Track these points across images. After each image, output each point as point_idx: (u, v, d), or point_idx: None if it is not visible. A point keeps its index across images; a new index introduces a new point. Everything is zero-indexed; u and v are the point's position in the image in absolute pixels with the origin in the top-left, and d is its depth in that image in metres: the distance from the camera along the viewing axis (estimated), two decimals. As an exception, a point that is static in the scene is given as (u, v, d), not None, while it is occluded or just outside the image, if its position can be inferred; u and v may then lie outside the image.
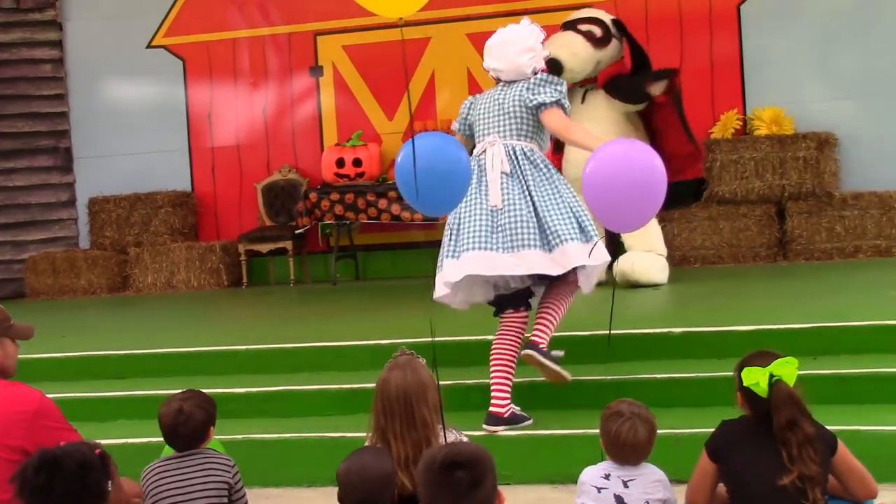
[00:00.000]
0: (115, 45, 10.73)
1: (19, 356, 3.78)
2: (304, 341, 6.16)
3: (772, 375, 3.29)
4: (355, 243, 10.18)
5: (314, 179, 10.17)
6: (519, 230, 4.93)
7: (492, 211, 5.02)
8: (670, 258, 9.02)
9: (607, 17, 8.20)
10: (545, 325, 5.04)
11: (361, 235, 10.21)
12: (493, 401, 4.98)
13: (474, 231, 5.00)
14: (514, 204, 5.01)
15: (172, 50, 10.66)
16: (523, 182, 5.10)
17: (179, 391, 3.76)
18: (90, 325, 8.11)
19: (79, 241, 10.84)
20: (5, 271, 10.68)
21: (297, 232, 9.87)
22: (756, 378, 3.28)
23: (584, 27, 8.04)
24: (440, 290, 5.21)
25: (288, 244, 9.93)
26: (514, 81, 5.36)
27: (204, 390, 3.86)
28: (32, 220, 10.76)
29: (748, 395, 3.33)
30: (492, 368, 5.01)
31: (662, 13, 9.60)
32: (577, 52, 7.89)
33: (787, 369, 3.29)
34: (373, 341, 5.90)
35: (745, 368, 3.32)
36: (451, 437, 3.43)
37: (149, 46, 10.68)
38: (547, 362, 4.95)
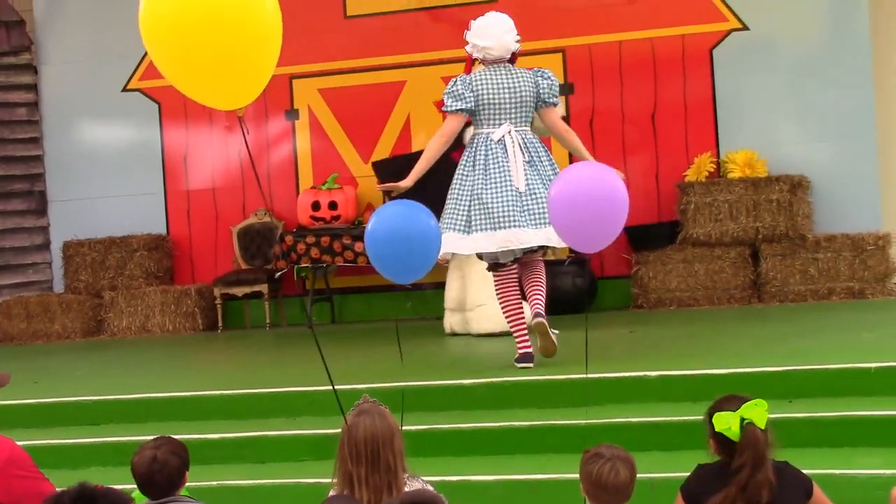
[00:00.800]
0: (90, 88, 10.74)
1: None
2: (278, 386, 6.14)
3: (742, 419, 3.30)
4: (331, 286, 10.17)
5: (290, 223, 10.16)
6: (544, 211, 5.88)
7: (518, 193, 6.01)
8: (645, 300, 9.09)
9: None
10: (544, 298, 6.12)
11: (337, 278, 10.20)
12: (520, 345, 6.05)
13: (507, 210, 6.00)
14: (536, 189, 6.04)
15: (148, 93, 10.67)
16: (537, 169, 6.10)
17: (152, 438, 3.74)
18: (64, 370, 8.05)
19: (53, 286, 10.78)
20: (-22, 316, 10.60)
21: (276, 276, 9.86)
22: (727, 423, 3.30)
23: None
24: (456, 248, 6.10)
25: (264, 287, 9.91)
26: (507, 64, 6.21)
27: (178, 436, 3.84)
28: (6, 265, 10.71)
29: (720, 439, 3.35)
30: (516, 310, 6.12)
31: (636, 56, 9.69)
32: None
33: (757, 412, 3.31)
34: (347, 385, 5.87)
35: (716, 414, 3.33)
36: (415, 484, 3.44)
37: (124, 90, 10.69)
38: (551, 332, 6.00)
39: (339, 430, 3.58)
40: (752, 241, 9.07)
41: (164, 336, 9.94)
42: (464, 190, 6.16)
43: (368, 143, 10.22)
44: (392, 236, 4.48)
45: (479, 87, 6.11)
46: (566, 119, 9.64)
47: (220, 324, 10.03)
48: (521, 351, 6.10)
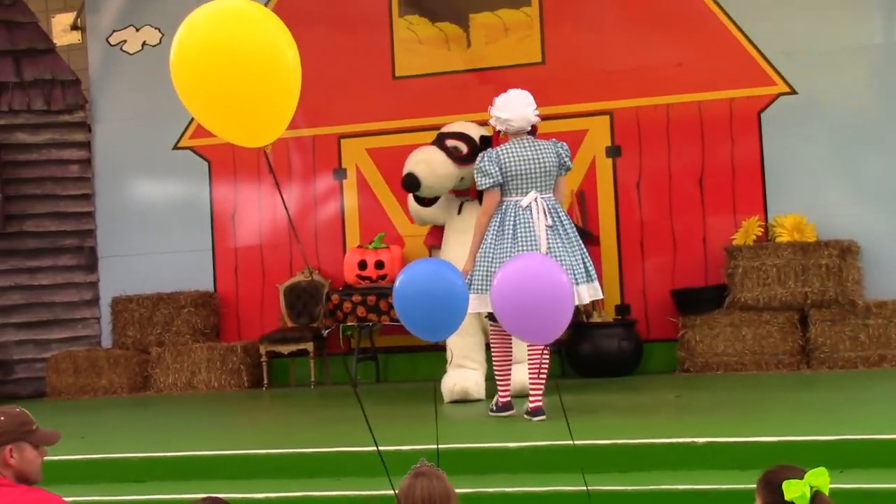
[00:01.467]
0: (142, 146, 10.91)
1: (39, 459, 3.77)
2: (323, 445, 6.14)
3: (811, 487, 3.28)
4: (376, 345, 10.18)
5: (336, 281, 10.21)
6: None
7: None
8: (692, 364, 9.02)
9: (477, 133, 8.34)
10: (542, 378, 6.62)
11: (382, 337, 10.21)
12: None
13: None
14: (557, 251, 6.55)
15: (198, 151, 10.82)
16: (559, 232, 6.62)
17: (199, 498, 3.74)
18: (110, 426, 8.11)
19: (101, 341, 10.88)
20: (27, 370, 10.71)
21: (323, 333, 9.89)
22: (800, 490, 3.27)
23: (451, 143, 8.26)
24: (478, 308, 6.60)
25: (309, 345, 9.94)
26: (529, 136, 6.77)
27: (223, 495, 3.84)
28: (56, 319, 10.83)
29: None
30: (505, 368, 6.74)
31: (683, 119, 9.70)
32: (435, 170, 8.14)
33: (823, 480, 3.30)
34: (393, 447, 5.87)
35: (786, 481, 3.30)
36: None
37: (175, 148, 10.85)
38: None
39: (384, 492, 3.59)
40: (800, 306, 8.99)
41: (209, 393, 9.97)
42: (496, 254, 6.66)
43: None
44: (420, 293, 4.55)
45: (506, 161, 6.68)
46: (615, 181, 9.71)
47: (265, 381, 10.06)
48: (502, 400, 6.82)
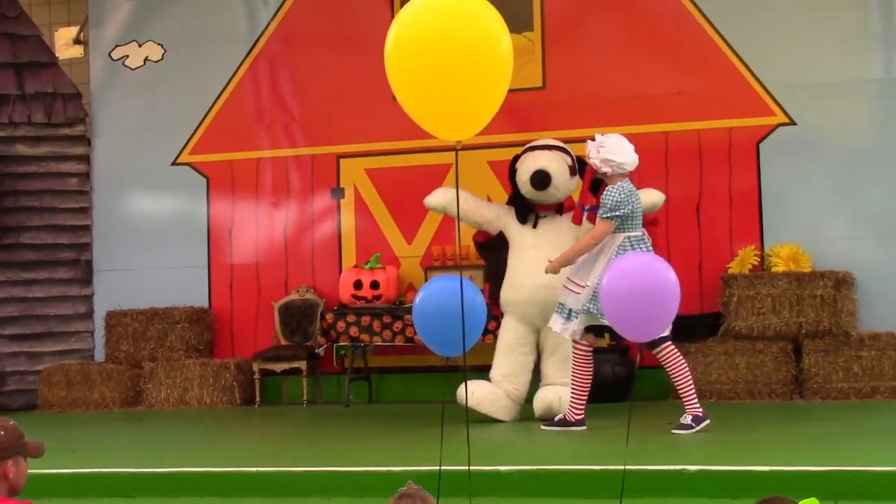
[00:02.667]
0: (141, 161, 10.91)
1: (29, 471, 3.76)
2: (315, 465, 6.10)
3: (803, 517, 3.25)
4: (370, 365, 10.16)
5: (331, 300, 10.20)
6: None
7: None
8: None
9: (572, 152, 8.27)
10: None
11: (376, 357, 10.19)
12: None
13: None
14: None
15: (197, 167, 10.82)
16: None
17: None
18: (101, 440, 8.07)
19: (94, 354, 10.84)
20: (19, 382, 10.66)
21: (316, 352, 9.88)
22: (792, 521, 3.24)
23: (560, 153, 8.13)
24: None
25: (302, 364, 9.92)
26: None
27: (213, 514, 3.82)
28: (49, 332, 10.79)
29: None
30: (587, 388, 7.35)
31: (682, 147, 9.72)
32: (563, 172, 8.01)
33: (815, 510, 3.26)
34: (384, 468, 5.85)
35: None
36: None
37: (174, 164, 10.85)
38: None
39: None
40: (794, 336, 8.99)
41: (201, 409, 9.94)
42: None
43: (412, 223, 10.28)
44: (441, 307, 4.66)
45: (634, 199, 7.11)
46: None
47: (257, 399, 10.03)
48: (577, 417, 7.31)
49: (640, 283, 4.59)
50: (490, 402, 7.96)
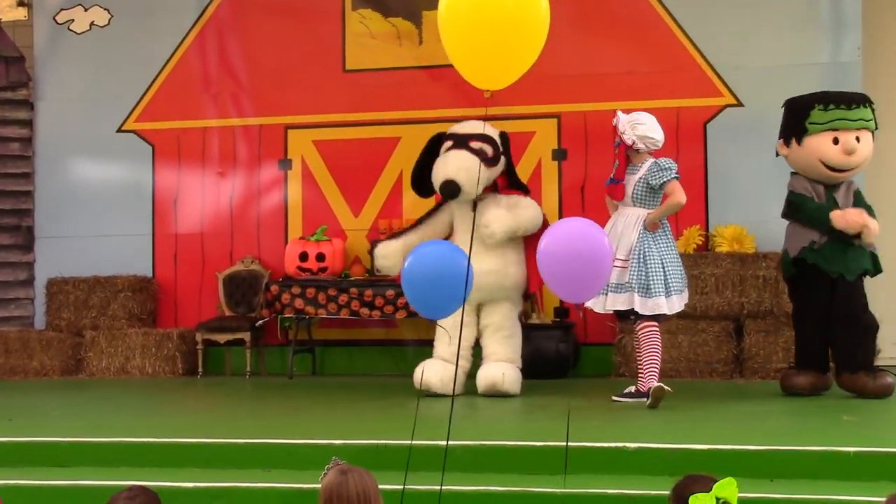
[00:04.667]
0: (85, 127, 10.74)
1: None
2: (256, 437, 6.07)
3: (718, 499, 3.26)
4: (314, 338, 10.13)
5: (276, 272, 10.14)
6: None
7: None
8: (628, 369, 9.04)
9: (496, 133, 8.24)
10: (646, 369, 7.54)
11: (320, 330, 10.17)
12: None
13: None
14: None
15: (142, 135, 10.68)
16: None
17: (125, 487, 3.67)
18: (39, 408, 7.96)
19: (34, 322, 10.70)
20: (-43, 348, 10.49)
21: (257, 325, 9.82)
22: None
23: (476, 145, 8.08)
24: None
25: (246, 335, 9.86)
26: None
27: (151, 483, 3.79)
28: (-12, 298, 10.64)
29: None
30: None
31: (630, 126, 9.72)
32: (473, 177, 7.92)
33: (731, 491, 3.28)
34: (325, 441, 5.82)
35: (693, 496, 3.29)
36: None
37: (119, 131, 10.70)
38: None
39: (314, 486, 3.54)
40: (736, 315, 9.08)
41: (142, 379, 9.85)
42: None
43: (359, 196, 10.24)
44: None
45: None
46: (559, 183, 9.74)
47: (200, 369, 9.96)
48: (648, 386, 7.24)
49: (578, 246, 4.83)
50: (445, 382, 7.92)
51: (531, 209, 8.10)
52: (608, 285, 7.25)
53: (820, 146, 7.69)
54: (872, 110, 7.74)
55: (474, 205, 8.09)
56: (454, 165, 7.97)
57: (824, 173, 7.72)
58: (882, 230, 7.69)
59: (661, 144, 7.55)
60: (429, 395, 7.85)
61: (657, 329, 7.34)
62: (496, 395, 7.79)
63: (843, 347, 7.47)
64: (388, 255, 8.27)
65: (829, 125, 7.69)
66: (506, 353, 7.98)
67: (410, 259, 5.02)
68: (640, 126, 7.47)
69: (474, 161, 7.88)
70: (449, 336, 7.88)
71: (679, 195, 7.45)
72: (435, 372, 7.96)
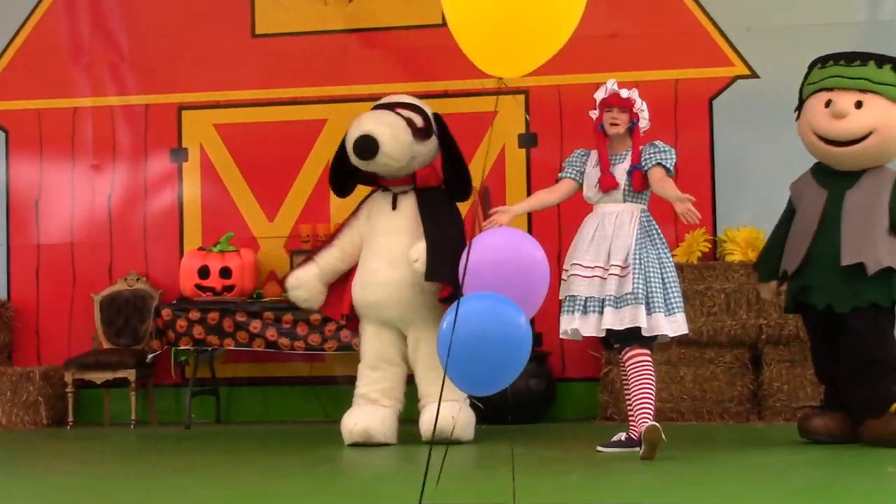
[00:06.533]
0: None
1: None
2: (141, 504, 6.02)
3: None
4: (218, 376, 10.09)
5: (169, 292, 10.10)
6: None
7: None
8: (617, 411, 9.05)
9: (429, 109, 8.32)
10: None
11: (226, 366, 10.14)
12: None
13: None
14: None
15: (-8, 118, 10.61)
16: None
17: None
18: None
19: None
20: None
21: (149, 359, 9.75)
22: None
23: (404, 112, 8.16)
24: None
25: (130, 373, 9.79)
26: None
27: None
28: None
29: None
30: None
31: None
32: (396, 135, 7.97)
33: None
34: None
35: None
36: None
37: (-36, 112, 10.62)
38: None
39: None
40: (753, 342, 9.12)
41: (-4, 431, 9.77)
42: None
43: (275, 195, 10.26)
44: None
45: None
46: (528, 177, 9.76)
47: (70, 419, 9.91)
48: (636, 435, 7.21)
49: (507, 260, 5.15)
50: (387, 428, 7.99)
51: None
52: (606, 298, 7.17)
53: (810, 111, 7.67)
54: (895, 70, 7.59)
55: (394, 199, 8.13)
56: (373, 120, 8.05)
57: (820, 149, 7.63)
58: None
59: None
60: (363, 444, 7.86)
61: (650, 359, 7.29)
62: (444, 443, 7.75)
63: (857, 391, 7.43)
64: (303, 284, 8.25)
65: (821, 83, 7.65)
66: (449, 392, 7.93)
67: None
68: (644, 105, 7.55)
69: (397, 119, 8.01)
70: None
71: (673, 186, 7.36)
72: (373, 415, 7.96)
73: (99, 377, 9.88)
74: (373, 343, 8.13)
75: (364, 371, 8.17)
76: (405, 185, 8.23)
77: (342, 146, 8.21)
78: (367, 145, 7.88)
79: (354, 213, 8.41)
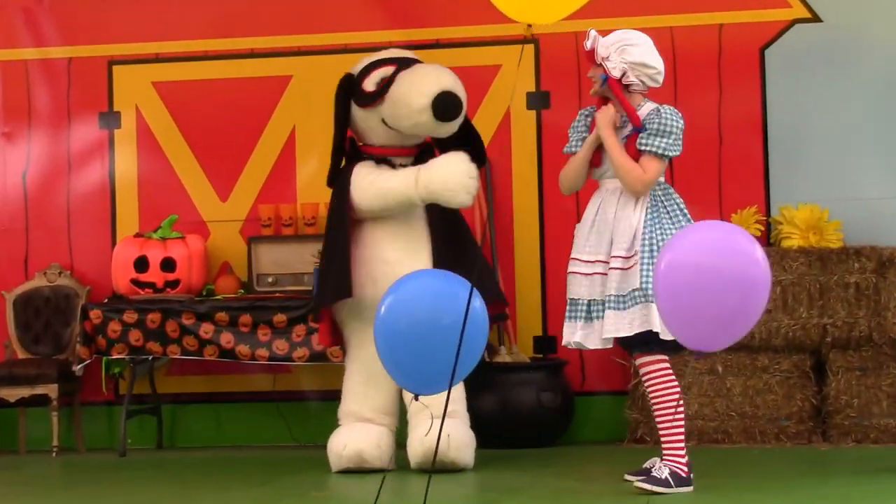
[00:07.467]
0: None
1: None
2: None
3: None
4: (159, 392, 10.08)
5: (99, 289, 10.09)
6: None
7: None
8: (648, 432, 9.02)
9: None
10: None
11: (170, 379, 10.14)
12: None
13: None
14: None
15: None
16: None
17: None
18: None
19: None
20: None
21: (75, 371, 9.70)
22: None
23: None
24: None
25: (52, 389, 9.75)
26: None
27: None
28: None
29: None
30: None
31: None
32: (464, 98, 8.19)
33: None
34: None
35: None
36: None
37: None
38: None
39: None
40: (816, 346, 9.10)
41: None
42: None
43: (229, 170, 10.23)
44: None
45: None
46: (539, 144, 9.72)
47: (-23, 444, 9.90)
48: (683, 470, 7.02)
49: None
50: (383, 451, 8.09)
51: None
52: (606, 299, 7.02)
53: None
54: None
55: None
56: (447, 76, 8.12)
57: None
58: None
59: (661, 78, 7.26)
60: (352, 471, 7.93)
61: (665, 366, 7.15)
62: (438, 469, 7.74)
63: None
64: None
65: None
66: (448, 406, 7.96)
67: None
68: (631, 49, 7.13)
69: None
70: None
71: (644, 181, 7.12)
72: (367, 435, 8.02)
73: (12, 394, 9.83)
74: (367, 351, 8.06)
75: (354, 386, 8.25)
76: (408, 157, 8.33)
77: (342, 113, 8.27)
78: (455, 104, 7.97)
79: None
